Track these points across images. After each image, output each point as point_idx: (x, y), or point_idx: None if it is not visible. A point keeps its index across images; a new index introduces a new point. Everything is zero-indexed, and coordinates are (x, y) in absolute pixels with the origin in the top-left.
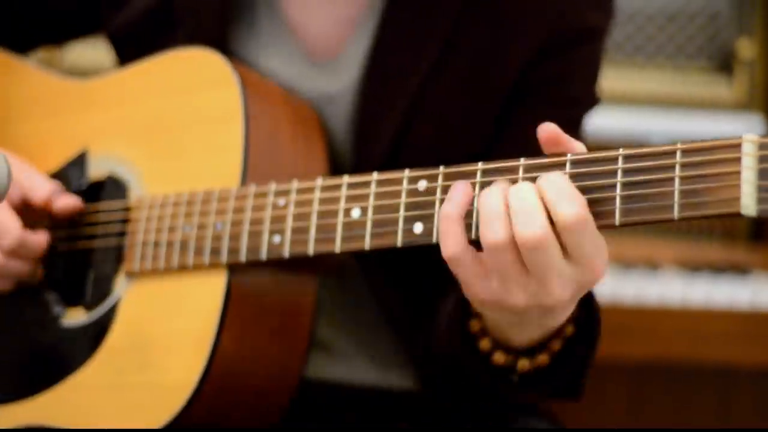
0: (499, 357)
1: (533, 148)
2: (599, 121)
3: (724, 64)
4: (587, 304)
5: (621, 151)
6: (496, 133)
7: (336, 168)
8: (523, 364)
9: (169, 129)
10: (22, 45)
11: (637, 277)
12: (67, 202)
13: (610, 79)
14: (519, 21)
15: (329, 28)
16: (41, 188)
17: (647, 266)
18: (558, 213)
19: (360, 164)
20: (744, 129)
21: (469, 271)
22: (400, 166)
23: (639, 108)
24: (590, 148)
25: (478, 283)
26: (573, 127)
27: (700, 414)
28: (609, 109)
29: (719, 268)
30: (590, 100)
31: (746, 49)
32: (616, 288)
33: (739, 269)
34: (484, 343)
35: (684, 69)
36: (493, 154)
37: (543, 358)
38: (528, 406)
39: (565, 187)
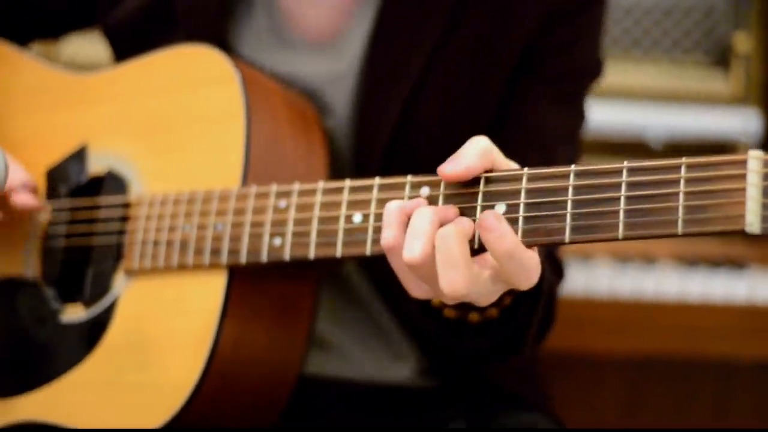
0: (449, 312)
1: (539, 125)
2: (595, 115)
3: (721, 58)
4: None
5: (625, 163)
6: (503, 109)
7: (339, 150)
8: (473, 316)
9: (169, 126)
10: (16, 37)
11: (634, 272)
12: (25, 199)
13: (606, 73)
14: None
15: (326, 15)
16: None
17: (644, 260)
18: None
19: (363, 145)
20: (740, 123)
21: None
22: (405, 146)
23: (635, 102)
24: (588, 143)
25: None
26: (577, 99)
27: (698, 408)
28: (605, 103)
29: (716, 263)
30: (595, 69)
31: (742, 43)
32: (613, 282)
33: (735, 264)
34: (435, 301)
35: (680, 63)
36: (499, 131)
37: (493, 311)
38: (527, 402)
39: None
